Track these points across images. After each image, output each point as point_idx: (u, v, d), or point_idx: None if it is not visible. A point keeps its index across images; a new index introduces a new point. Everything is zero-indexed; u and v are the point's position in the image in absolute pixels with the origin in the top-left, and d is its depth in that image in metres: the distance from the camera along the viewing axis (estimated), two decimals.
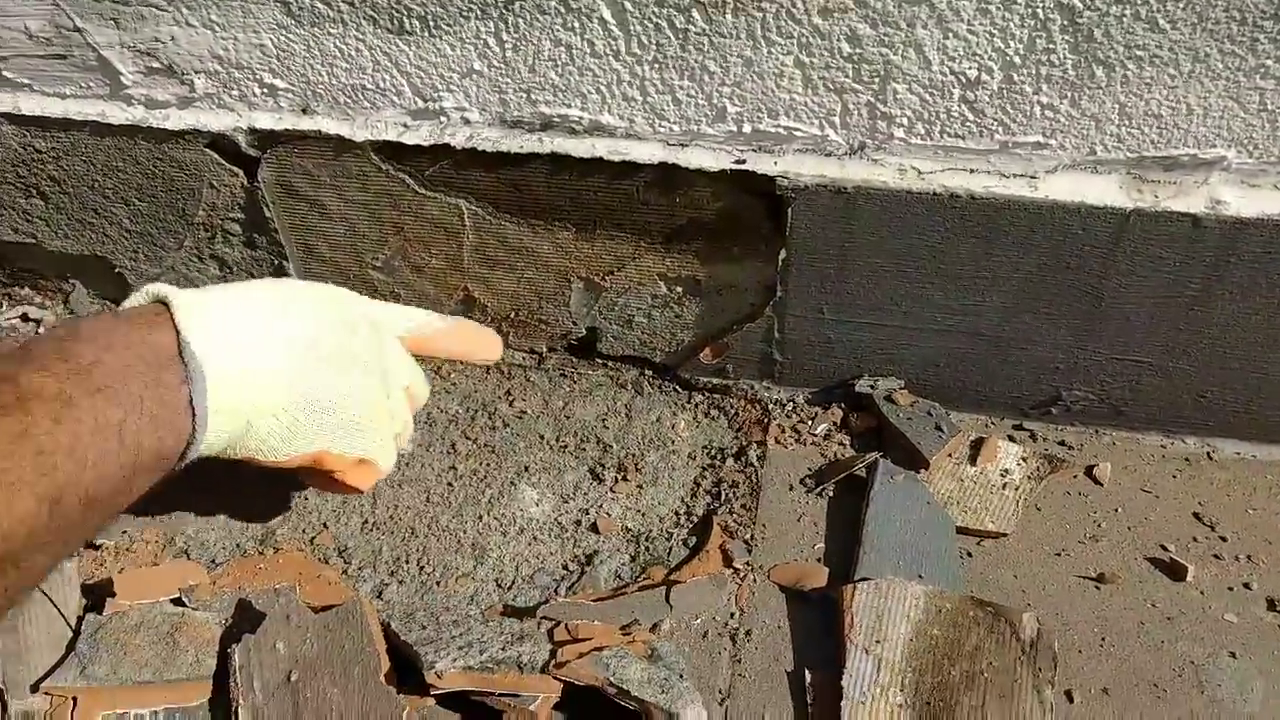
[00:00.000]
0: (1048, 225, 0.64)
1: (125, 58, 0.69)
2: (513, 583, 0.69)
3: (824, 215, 0.66)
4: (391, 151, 0.70)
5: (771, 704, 0.61)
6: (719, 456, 0.77)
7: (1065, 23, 0.55)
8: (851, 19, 0.58)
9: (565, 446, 0.78)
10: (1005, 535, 0.70)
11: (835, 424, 0.78)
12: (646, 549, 0.71)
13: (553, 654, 0.60)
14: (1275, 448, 0.75)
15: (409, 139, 0.69)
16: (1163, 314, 0.68)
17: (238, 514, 0.73)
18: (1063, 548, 0.69)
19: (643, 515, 0.73)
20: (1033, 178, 0.63)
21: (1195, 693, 0.61)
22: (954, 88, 0.60)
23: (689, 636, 0.64)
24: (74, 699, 0.59)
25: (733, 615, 0.66)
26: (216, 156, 0.74)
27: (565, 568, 0.70)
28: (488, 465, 0.77)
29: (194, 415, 0.49)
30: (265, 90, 0.70)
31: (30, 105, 0.74)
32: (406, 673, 0.61)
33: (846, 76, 0.61)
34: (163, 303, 0.52)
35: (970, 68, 0.59)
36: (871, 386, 0.76)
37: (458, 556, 0.71)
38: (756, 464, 0.75)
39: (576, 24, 0.61)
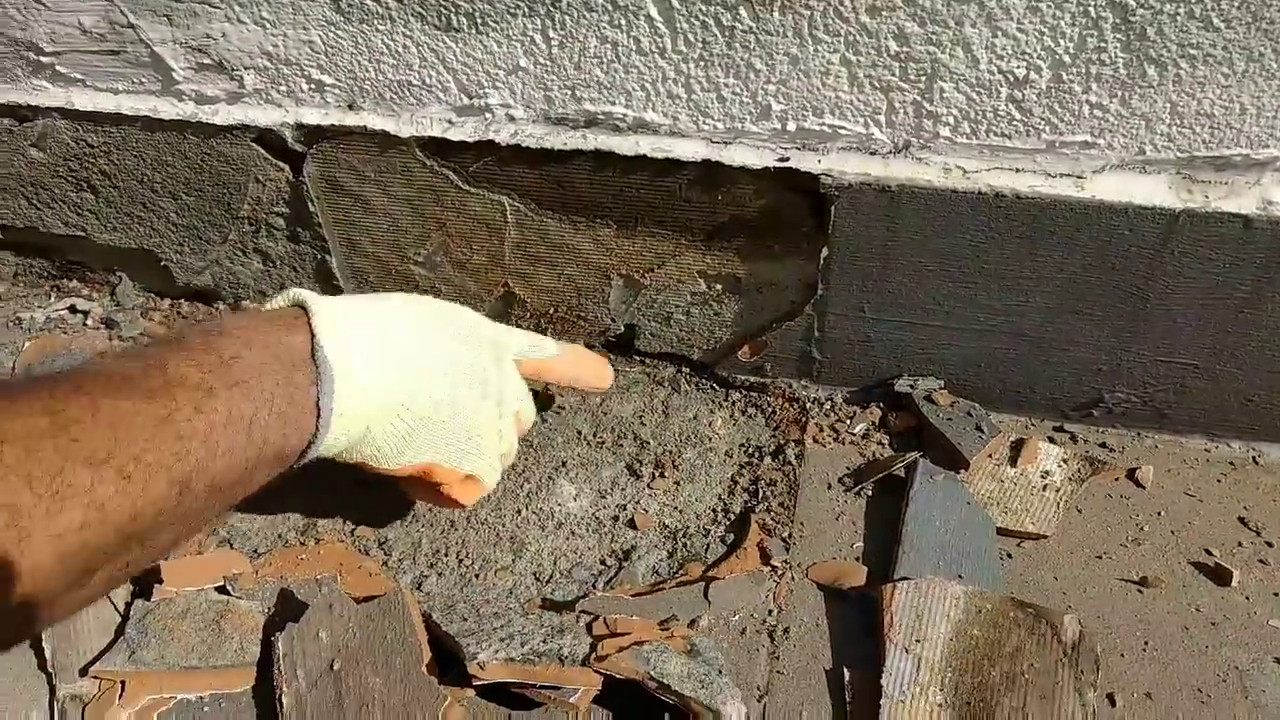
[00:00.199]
0: (1094, 225, 0.63)
1: (177, 54, 0.71)
2: (550, 577, 0.69)
3: (867, 214, 0.66)
4: (436, 148, 0.71)
5: (810, 701, 0.61)
6: (756, 454, 0.77)
7: (1118, 21, 0.55)
8: (899, 17, 0.57)
9: (603, 442, 0.78)
10: (1046, 537, 0.69)
11: (874, 423, 0.78)
12: (684, 545, 0.71)
13: (593, 647, 0.60)
14: None
15: (454, 135, 0.70)
16: (1210, 316, 0.67)
17: (279, 505, 0.74)
18: (1104, 550, 0.69)
19: (680, 512, 0.73)
20: (1079, 177, 0.63)
21: (1240, 699, 0.61)
22: (1001, 86, 0.60)
23: (727, 633, 0.64)
24: (122, 683, 0.61)
25: (771, 613, 0.66)
26: (263, 151, 0.75)
27: (603, 563, 0.70)
28: (526, 460, 0.77)
29: (319, 416, 0.51)
30: (313, 86, 0.70)
31: (83, 100, 0.75)
32: (447, 663, 0.61)
33: (893, 75, 0.60)
34: (301, 306, 0.54)
35: (1019, 66, 0.58)
36: (911, 386, 0.76)
37: (496, 550, 0.71)
38: (794, 462, 0.75)
39: (623, 21, 0.61)
